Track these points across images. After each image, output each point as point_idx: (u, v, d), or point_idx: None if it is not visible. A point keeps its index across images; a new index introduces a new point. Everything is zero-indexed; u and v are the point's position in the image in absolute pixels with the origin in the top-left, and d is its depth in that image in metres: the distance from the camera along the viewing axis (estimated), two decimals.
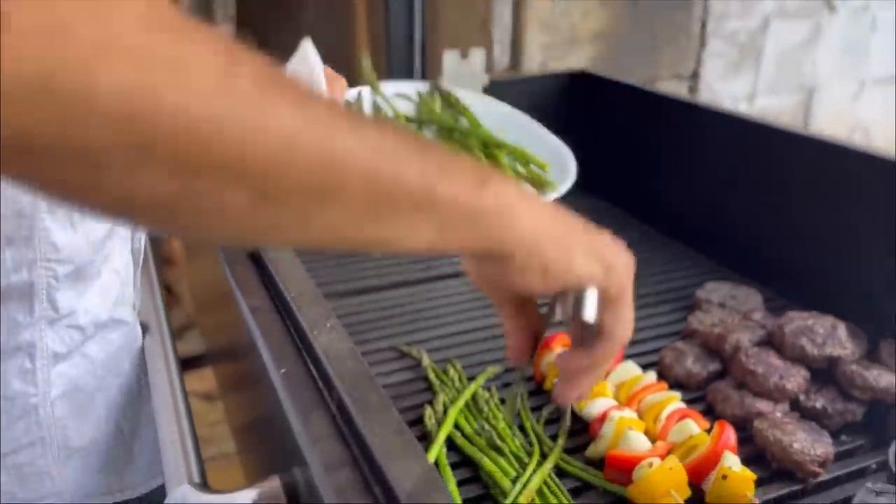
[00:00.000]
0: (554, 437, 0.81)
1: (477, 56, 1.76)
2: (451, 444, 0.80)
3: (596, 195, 1.51)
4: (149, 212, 0.36)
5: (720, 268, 1.21)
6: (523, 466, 0.75)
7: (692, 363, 0.92)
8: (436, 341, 1.01)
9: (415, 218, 0.43)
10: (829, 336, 0.88)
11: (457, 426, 0.81)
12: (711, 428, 0.77)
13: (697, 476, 0.73)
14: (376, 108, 1.07)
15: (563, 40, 1.95)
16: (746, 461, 0.74)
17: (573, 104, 1.48)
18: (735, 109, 1.90)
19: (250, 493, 0.56)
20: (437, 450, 0.77)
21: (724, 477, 0.70)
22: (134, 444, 0.81)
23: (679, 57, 2.13)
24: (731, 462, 0.72)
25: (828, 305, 0.94)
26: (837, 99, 2.46)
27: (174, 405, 0.72)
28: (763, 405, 0.83)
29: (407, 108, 1.10)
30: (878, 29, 2.42)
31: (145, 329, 0.83)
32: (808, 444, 0.75)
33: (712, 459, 0.72)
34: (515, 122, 1.10)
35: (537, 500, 0.71)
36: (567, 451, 0.79)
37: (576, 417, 0.83)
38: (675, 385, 0.90)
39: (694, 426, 0.77)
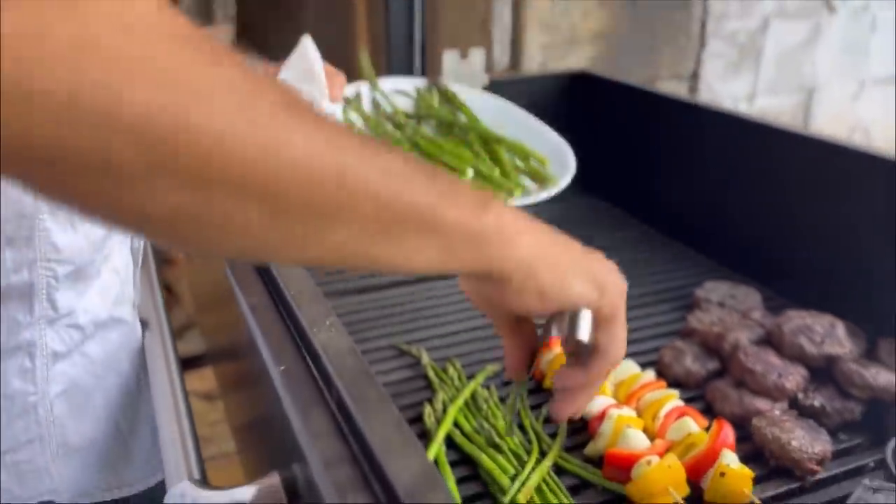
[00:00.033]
0: (553, 436, 0.81)
1: (476, 56, 1.77)
2: (450, 442, 0.80)
3: (596, 195, 1.51)
4: (164, 226, 0.37)
5: (720, 267, 1.21)
6: (522, 464, 0.76)
7: (691, 362, 0.92)
8: (435, 340, 1.01)
9: (420, 239, 0.44)
10: (828, 335, 0.88)
11: (456, 424, 0.81)
12: (710, 426, 0.77)
13: (696, 474, 0.73)
14: (375, 104, 1.07)
15: (562, 40, 1.95)
16: (745, 459, 0.74)
17: (573, 104, 1.48)
18: (735, 109, 1.90)
19: (250, 490, 0.56)
20: (437, 448, 0.77)
21: (723, 474, 0.71)
22: (131, 442, 0.81)
23: (679, 57, 2.14)
24: (730, 460, 0.72)
25: (827, 305, 0.94)
26: (837, 99, 2.46)
27: (174, 403, 0.73)
28: (762, 403, 0.83)
29: (405, 104, 1.10)
30: (878, 29, 2.42)
31: (145, 325, 0.83)
32: (806, 442, 0.76)
33: (710, 457, 0.73)
34: (514, 117, 1.10)
35: (536, 498, 0.72)
36: (566, 449, 0.80)
37: None
38: (673, 384, 0.90)
39: (692, 424, 0.78)
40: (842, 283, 1.01)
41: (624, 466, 0.74)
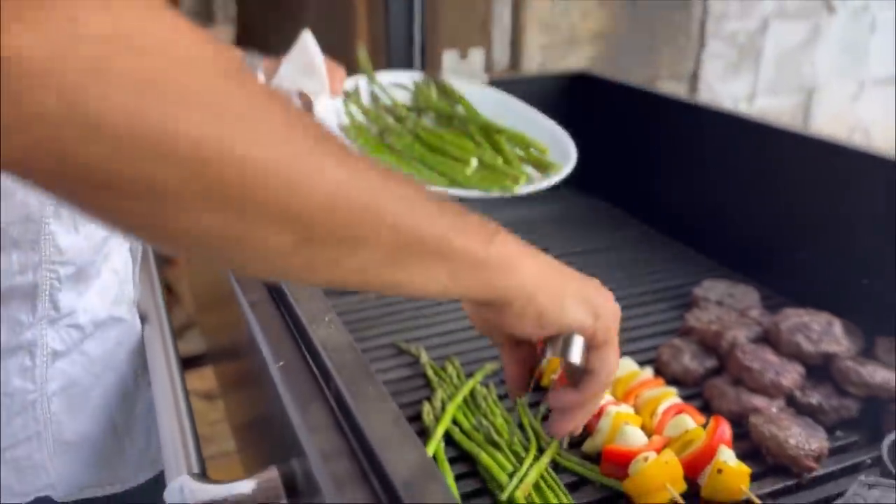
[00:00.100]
0: None
1: (476, 56, 1.77)
2: (448, 439, 0.80)
3: (596, 195, 1.51)
4: (201, 247, 0.40)
5: (719, 267, 1.21)
6: (520, 461, 0.76)
7: (689, 360, 0.92)
8: (434, 338, 1.01)
9: (431, 266, 0.47)
10: (825, 333, 0.89)
11: (455, 422, 0.82)
12: (707, 423, 0.77)
13: (693, 470, 0.73)
14: (374, 97, 1.08)
15: (562, 40, 1.95)
16: (742, 456, 0.75)
17: (573, 104, 1.48)
18: (735, 109, 1.90)
19: (249, 484, 0.56)
20: (435, 445, 0.78)
21: (720, 471, 0.71)
22: (126, 439, 0.82)
23: (678, 57, 2.14)
24: (727, 456, 0.72)
25: (826, 304, 0.95)
26: (837, 99, 2.46)
27: (174, 399, 0.73)
28: (759, 401, 0.84)
29: (403, 98, 1.10)
30: (878, 29, 2.42)
31: (144, 320, 0.84)
32: (803, 440, 0.76)
33: (708, 454, 0.73)
34: (512, 108, 1.11)
35: (534, 495, 0.72)
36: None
37: None
38: (672, 381, 0.91)
39: (690, 421, 0.78)
40: (841, 282, 1.01)
41: (622, 463, 0.74)
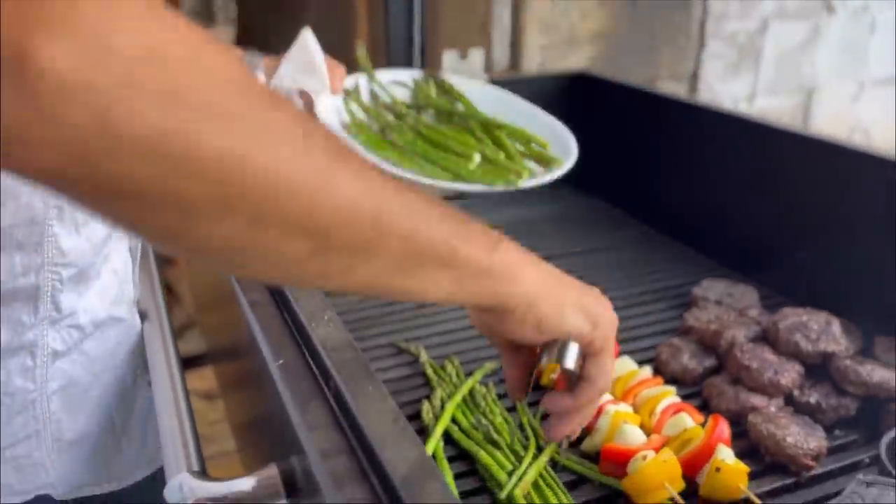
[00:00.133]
0: None
1: (476, 56, 1.77)
2: (448, 438, 0.80)
3: (596, 195, 1.52)
4: (220, 255, 0.41)
5: (719, 267, 1.21)
6: (519, 460, 0.76)
7: (688, 359, 0.92)
8: (434, 338, 1.02)
9: (438, 274, 0.49)
10: (824, 332, 0.89)
11: (454, 420, 0.82)
12: (706, 422, 0.78)
13: (691, 469, 0.73)
14: (373, 95, 1.08)
15: (562, 41, 1.96)
16: (741, 455, 0.75)
17: (573, 104, 1.48)
18: (734, 109, 1.90)
19: (248, 481, 0.57)
20: (435, 443, 0.78)
21: (718, 469, 0.71)
22: (123, 438, 0.82)
23: (678, 57, 2.14)
24: (725, 455, 0.72)
25: (825, 303, 0.95)
26: (837, 100, 2.46)
27: (174, 397, 0.73)
28: (757, 400, 0.84)
29: (402, 95, 1.10)
30: (877, 30, 2.42)
31: (144, 317, 0.84)
32: (801, 438, 0.76)
33: (706, 452, 0.73)
34: (512, 105, 1.11)
35: (533, 493, 0.72)
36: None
37: None
38: (671, 380, 0.91)
39: (688, 420, 0.78)
40: (840, 281, 1.02)
41: (620, 462, 0.74)
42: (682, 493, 0.71)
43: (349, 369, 0.58)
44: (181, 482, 0.57)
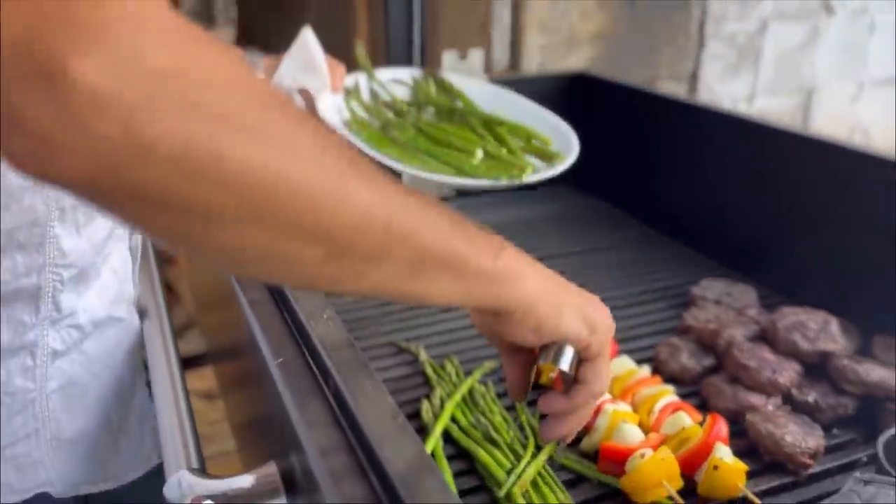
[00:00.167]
0: None
1: (476, 56, 1.77)
2: (447, 436, 0.81)
3: (596, 195, 1.52)
4: (238, 260, 0.43)
5: (719, 266, 1.22)
6: (518, 458, 0.76)
7: (687, 358, 0.93)
8: (434, 337, 1.02)
9: (443, 278, 0.51)
10: (822, 331, 0.89)
11: (453, 419, 0.82)
12: (704, 421, 0.78)
13: (689, 467, 0.74)
14: (373, 93, 1.08)
15: (561, 41, 1.96)
16: (739, 454, 0.75)
17: (572, 105, 1.48)
18: (734, 110, 1.91)
19: (247, 479, 0.57)
20: (434, 442, 0.78)
21: (716, 468, 0.71)
22: (121, 437, 0.83)
23: (678, 58, 2.14)
24: (723, 453, 0.73)
25: (824, 303, 0.95)
26: (836, 100, 2.46)
27: (174, 395, 0.73)
28: (756, 399, 0.84)
29: (402, 94, 1.10)
30: (877, 31, 2.42)
31: (143, 315, 0.84)
32: (799, 437, 0.76)
33: (704, 451, 0.73)
34: (511, 102, 1.11)
35: (532, 492, 0.72)
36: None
37: None
38: (669, 380, 0.91)
39: (686, 418, 0.78)
40: (839, 281, 1.02)
41: (619, 460, 0.74)
42: (680, 492, 0.71)
43: (348, 368, 0.58)
44: (180, 479, 0.57)
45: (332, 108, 0.97)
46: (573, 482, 0.76)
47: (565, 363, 0.60)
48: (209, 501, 0.56)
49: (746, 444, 0.79)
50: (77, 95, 0.33)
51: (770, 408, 0.82)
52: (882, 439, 0.72)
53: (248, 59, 0.91)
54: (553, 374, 0.61)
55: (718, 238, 1.24)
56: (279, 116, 0.40)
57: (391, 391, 0.57)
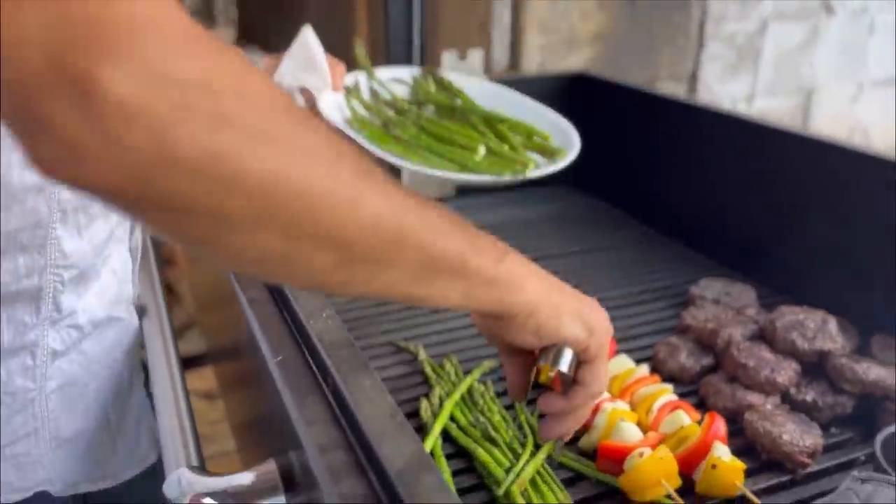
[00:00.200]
0: None
1: (475, 57, 1.78)
2: (446, 435, 0.81)
3: (596, 195, 1.52)
4: (254, 264, 0.45)
5: (719, 266, 1.22)
6: (517, 457, 0.76)
7: (685, 357, 0.93)
8: (433, 336, 1.02)
9: (450, 283, 0.52)
10: (820, 330, 0.89)
11: (452, 418, 0.82)
12: (703, 420, 0.78)
13: (688, 466, 0.74)
14: (373, 92, 1.08)
15: (561, 41, 1.96)
16: (737, 452, 0.75)
17: (572, 105, 1.48)
18: (734, 110, 1.91)
19: (247, 476, 0.57)
20: (433, 440, 0.78)
21: (714, 466, 0.72)
22: (118, 436, 0.83)
23: (677, 58, 2.14)
24: (721, 452, 0.73)
25: (823, 302, 0.95)
26: (836, 101, 2.46)
27: (174, 397, 0.74)
28: (754, 398, 0.84)
29: (402, 92, 1.11)
30: (877, 31, 2.42)
31: (143, 313, 0.84)
32: (797, 436, 0.77)
33: (702, 449, 0.73)
34: (510, 100, 1.11)
35: (530, 490, 0.72)
36: None
37: None
38: (668, 379, 0.91)
39: (685, 417, 0.79)
40: (837, 281, 1.02)
41: (617, 459, 0.74)
42: (678, 490, 0.71)
43: (348, 366, 0.58)
44: (180, 476, 0.57)
45: (333, 106, 0.97)
46: (572, 481, 0.77)
47: (564, 365, 0.62)
48: (208, 499, 0.57)
49: (744, 442, 0.80)
50: (106, 107, 0.34)
51: (768, 407, 0.83)
52: (880, 438, 0.72)
53: (249, 59, 0.91)
54: (552, 374, 0.62)
55: (718, 238, 1.25)
56: (298, 129, 0.42)
57: (390, 390, 0.58)
